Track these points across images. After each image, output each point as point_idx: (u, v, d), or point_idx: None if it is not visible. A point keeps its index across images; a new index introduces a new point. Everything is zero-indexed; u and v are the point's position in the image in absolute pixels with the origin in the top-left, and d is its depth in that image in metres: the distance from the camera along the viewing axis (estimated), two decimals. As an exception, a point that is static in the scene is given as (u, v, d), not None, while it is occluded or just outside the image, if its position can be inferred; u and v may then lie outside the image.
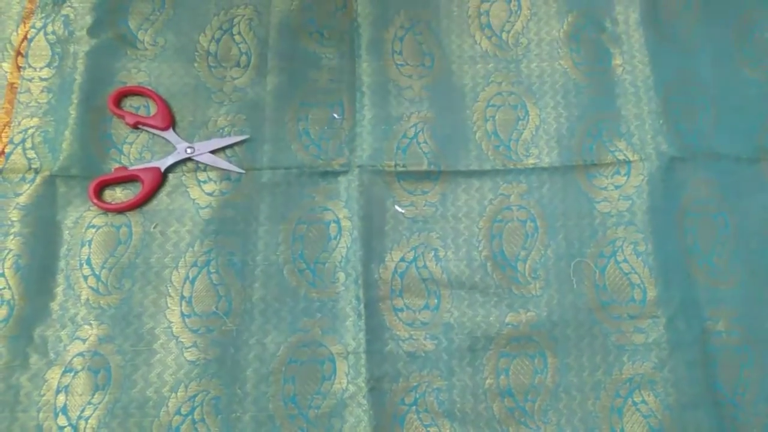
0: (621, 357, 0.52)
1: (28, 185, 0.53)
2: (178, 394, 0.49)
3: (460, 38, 0.61)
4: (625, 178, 0.57)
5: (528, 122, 0.59)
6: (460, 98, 0.59)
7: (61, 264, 0.51)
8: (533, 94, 0.59)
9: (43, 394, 0.48)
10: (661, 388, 0.52)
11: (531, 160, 0.57)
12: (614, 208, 0.56)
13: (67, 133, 0.54)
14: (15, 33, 0.58)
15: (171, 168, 0.55)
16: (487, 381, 0.51)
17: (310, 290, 0.52)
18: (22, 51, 0.57)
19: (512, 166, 0.57)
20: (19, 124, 0.55)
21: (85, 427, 0.48)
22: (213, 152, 0.55)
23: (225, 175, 0.55)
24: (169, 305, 0.51)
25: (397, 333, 0.52)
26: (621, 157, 0.58)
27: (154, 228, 0.53)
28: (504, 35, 0.61)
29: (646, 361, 0.52)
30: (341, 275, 0.53)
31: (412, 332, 0.52)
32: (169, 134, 0.55)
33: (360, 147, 0.56)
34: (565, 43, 0.61)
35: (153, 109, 0.56)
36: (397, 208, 0.54)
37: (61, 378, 0.49)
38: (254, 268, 0.52)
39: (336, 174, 0.55)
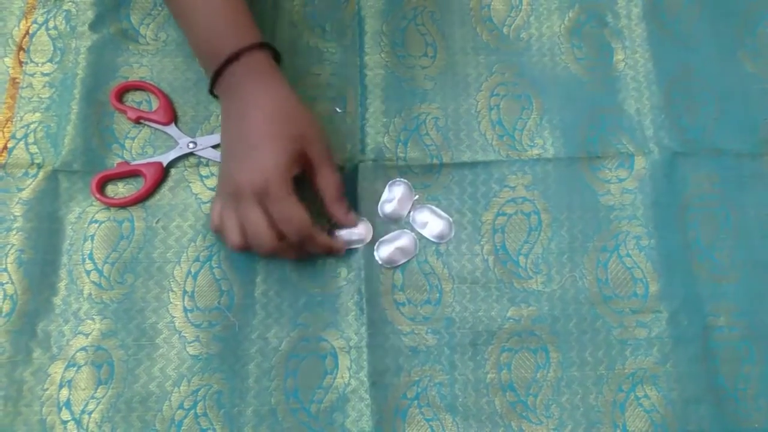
0: (623, 352, 0.52)
1: (31, 180, 0.53)
2: (181, 388, 0.49)
3: (462, 29, 0.61)
4: (628, 171, 0.57)
5: (532, 111, 0.58)
6: (464, 88, 0.59)
7: (64, 259, 0.52)
8: (536, 87, 0.59)
9: (47, 389, 0.48)
10: (663, 383, 0.52)
11: (535, 151, 0.57)
12: (618, 202, 0.56)
13: (69, 128, 0.54)
14: (17, 28, 0.58)
15: (173, 163, 0.55)
16: (489, 375, 0.51)
17: (311, 285, 0.52)
18: (24, 46, 0.57)
19: (516, 157, 0.57)
20: (22, 119, 0.55)
21: (88, 422, 0.48)
22: (215, 147, 0.55)
23: (227, 170, 0.55)
24: (171, 300, 0.51)
25: (399, 327, 0.52)
26: (624, 150, 0.57)
27: (157, 223, 0.53)
28: (505, 29, 0.61)
29: (648, 356, 0.52)
30: (343, 270, 0.53)
31: (413, 327, 0.52)
32: (171, 129, 0.55)
33: (363, 141, 0.56)
34: (566, 39, 0.61)
35: (155, 104, 0.56)
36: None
37: (64, 372, 0.49)
38: (256, 263, 0.52)
39: (338, 169, 0.55)
